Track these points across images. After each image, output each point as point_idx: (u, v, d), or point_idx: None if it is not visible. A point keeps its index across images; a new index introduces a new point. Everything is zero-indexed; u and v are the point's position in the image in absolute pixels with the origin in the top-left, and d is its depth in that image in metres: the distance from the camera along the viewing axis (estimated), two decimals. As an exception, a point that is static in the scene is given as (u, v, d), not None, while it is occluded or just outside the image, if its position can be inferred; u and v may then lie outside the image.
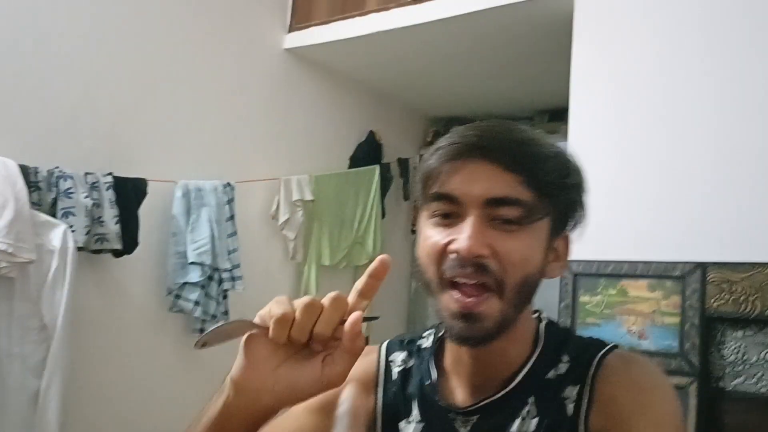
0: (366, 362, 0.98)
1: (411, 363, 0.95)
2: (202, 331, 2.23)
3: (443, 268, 0.75)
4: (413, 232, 3.11)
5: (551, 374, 0.83)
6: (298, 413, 0.92)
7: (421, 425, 0.89)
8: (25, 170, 1.91)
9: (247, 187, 2.49)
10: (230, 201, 2.39)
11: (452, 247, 0.74)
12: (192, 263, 2.20)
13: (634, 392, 0.79)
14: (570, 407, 0.81)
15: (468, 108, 3.21)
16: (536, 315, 0.91)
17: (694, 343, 1.65)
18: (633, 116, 1.94)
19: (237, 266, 2.34)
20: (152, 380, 2.18)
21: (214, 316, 2.23)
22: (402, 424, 0.91)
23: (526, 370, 0.83)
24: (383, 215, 2.94)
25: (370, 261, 2.57)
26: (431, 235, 0.78)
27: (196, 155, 2.41)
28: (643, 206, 1.86)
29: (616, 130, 1.97)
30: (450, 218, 0.76)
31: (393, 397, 0.94)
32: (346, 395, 0.96)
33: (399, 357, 0.96)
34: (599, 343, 0.86)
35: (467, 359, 0.85)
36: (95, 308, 2.01)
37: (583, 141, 1.97)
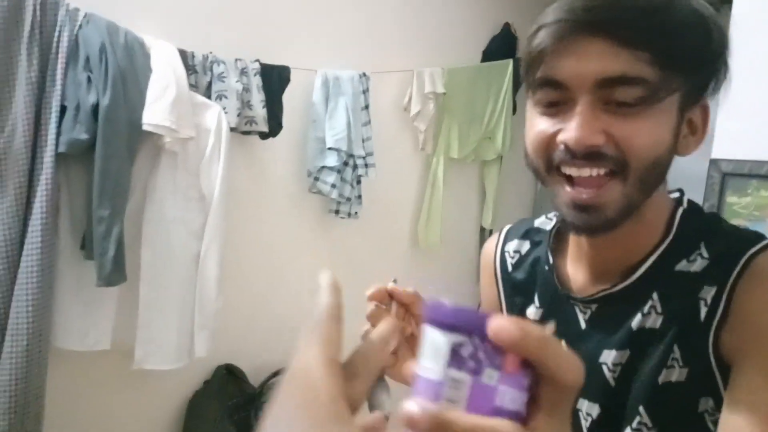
0: (486, 253, 1.01)
1: (529, 250, 0.93)
2: (337, 212, 2.39)
3: (552, 160, 0.70)
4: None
5: (682, 267, 0.75)
6: None
7: (540, 311, 0.89)
8: (183, 54, 2.05)
9: (382, 78, 2.55)
10: (365, 91, 2.46)
11: (560, 137, 0.68)
12: (330, 149, 2.33)
13: None
14: (703, 312, 0.72)
15: None
16: (675, 196, 0.82)
17: None
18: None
19: (370, 154, 2.44)
20: (291, 251, 2.39)
21: (348, 199, 2.37)
22: (527, 311, 0.90)
23: (651, 260, 0.76)
24: (514, 111, 2.90)
25: (499, 157, 2.62)
26: (537, 123, 0.71)
27: (335, 46, 2.48)
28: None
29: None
30: (558, 106, 0.69)
31: (513, 286, 0.94)
32: (483, 299, 0.99)
33: (516, 245, 0.94)
34: (752, 238, 0.73)
35: (587, 247, 0.81)
36: (245, 184, 2.20)
37: (747, 21, 1.69)
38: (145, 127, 1.84)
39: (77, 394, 1.91)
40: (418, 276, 2.77)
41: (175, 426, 2.04)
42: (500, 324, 0.37)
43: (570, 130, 0.66)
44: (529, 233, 0.93)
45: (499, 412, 0.38)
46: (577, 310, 0.82)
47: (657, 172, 0.69)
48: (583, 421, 0.83)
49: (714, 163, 1.78)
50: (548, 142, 0.69)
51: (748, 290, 0.69)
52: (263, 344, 2.25)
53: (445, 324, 0.39)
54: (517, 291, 0.93)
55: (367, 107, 2.46)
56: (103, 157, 1.79)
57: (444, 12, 2.79)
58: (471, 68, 2.81)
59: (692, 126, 0.72)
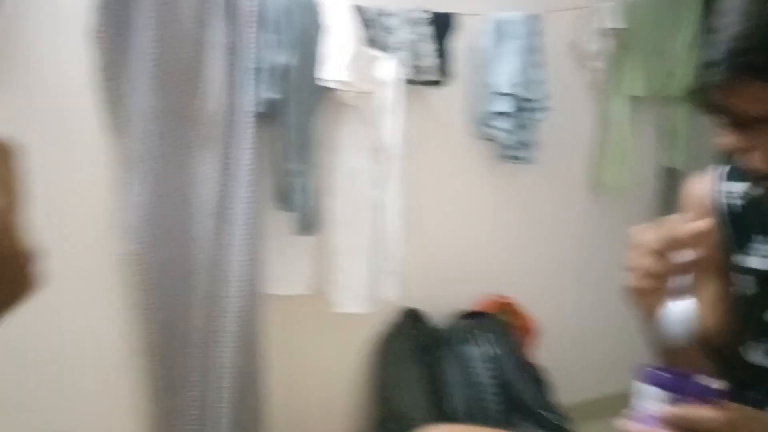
0: (696, 193, 0.99)
1: (754, 193, 0.90)
2: (511, 158, 2.37)
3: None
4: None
5: None
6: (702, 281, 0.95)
7: (766, 260, 0.87)
8: (357, 10, 2.13)
9: (554, 18, 2.45)
10: (537, 32, 2.39)
11: (750, 161, 0.70)
12: (502, 94, 2.30)
13: None
14: None
15: None
16: None
17: None
18: None
19: (545, 97, 2.38)
20: (467, 198, 2.43)
21: (523, 144, 2.34)
22: (747, 257, 0.90)
23: None
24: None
25: (686, 96, 2.37)
26: (725, 134, 0.74)
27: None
28: None
29: None
30: (738, 126, 0.71)
31: (729, 229, 0.92)
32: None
33: (738, 187, 0.92)
34: None
35: None
36: (420, 134, 2.25)
37: None
38: (327, 84, 1.95)
39: (286, 334, 2.11)
40: (599, 221, 2.68)
41: (368, 365, 2.19)
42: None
43: (755, 162, 0.70)
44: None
45: None
46: None
47: None
48: None
49: None
50: (738, 153, 0.73)
51: None
52: (444, 289, 2.32)
53: (666, 387, 0.66)
54: (734, 233, 0.92)
55: (539, 49, 2.39)
56: (296, 114, 1.93)
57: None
58: (652, 0, 2.61)
59: None
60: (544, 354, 2.36)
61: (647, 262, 0.77)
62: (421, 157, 2.28)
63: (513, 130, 2.33)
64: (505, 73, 2.32)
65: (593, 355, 2.66)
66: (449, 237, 2.37)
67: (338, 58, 1.96)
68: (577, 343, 2.57)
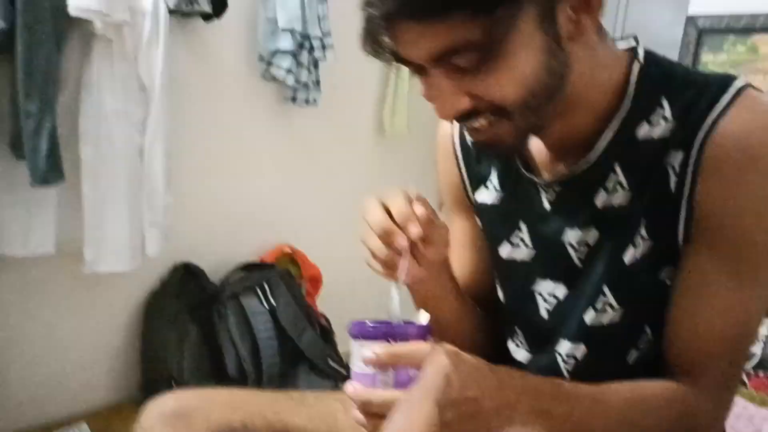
0: (444, 136, 0.97)
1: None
2: (294, 99, 2.26)
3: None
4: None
5: (645, 134, 0.71)
6: (453, 222, 0.96)
7: (500, 194, 0.87)
8: (109, -75, 1.85)
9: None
10: (319, -37, 2.26)
11: (436, 111, 0.68)
12: (283, 30, 2.16)
13: (746, 166, 0.64)
14: (673, 180, 0.69)
15: None
16: (630, 46, 0.75)
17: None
18: None
19: (328, 34, 2.28)
20: (245, 142, 2.27)
21: (305, 85, 2.23)
22: (481, 191, 0.89)
23: (611, 130, 0.72)
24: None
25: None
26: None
27: None
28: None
29: None
30: (422, 70, 0.66)
31: (473, 166, 0.91)
32: (442, 181, 0.97)
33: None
34: (716, 85, 0.68)
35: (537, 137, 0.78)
36: (189, 72, 2.05)
37: None
38: (72, 13, 1.68)
39: (23, 303, 1.85)
40: (384, 166, 2.68)
41: (133, 329, 2.01)
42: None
43: (434, 105, 0.66)
44: None
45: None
46: (541, 192, 0.80)
47: (544, 94, 0.65)
48: (544, 304, 0.82)
49: (691, 20, 1.67)
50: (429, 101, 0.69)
51: (715, 165, 0.66)
52: (221, 241, 2.19)
53: (374, 336, 0.62)
54: (477, 168, 0.90)
55: (322, -18, 2.28)
56: (26, 46, 1.64)
57: None
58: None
59: (575, 22, 0.64)
60: (329, 303, 2.34)
61: (373, 243, 0.72)
62: (192, 98, 2.08)
63: (295, 70, 2.21)
64: (286, 7, 2.18)
65: (377, 299, 2.70)
66: (227, 185, 2.22)
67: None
68: (361, 292, 2.57)
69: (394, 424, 0.56)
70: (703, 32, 1.66)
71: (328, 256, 2.37)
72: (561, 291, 0.80)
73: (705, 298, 0.70)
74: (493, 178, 0.87)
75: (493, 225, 0.89)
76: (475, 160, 0.90)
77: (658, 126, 0.70)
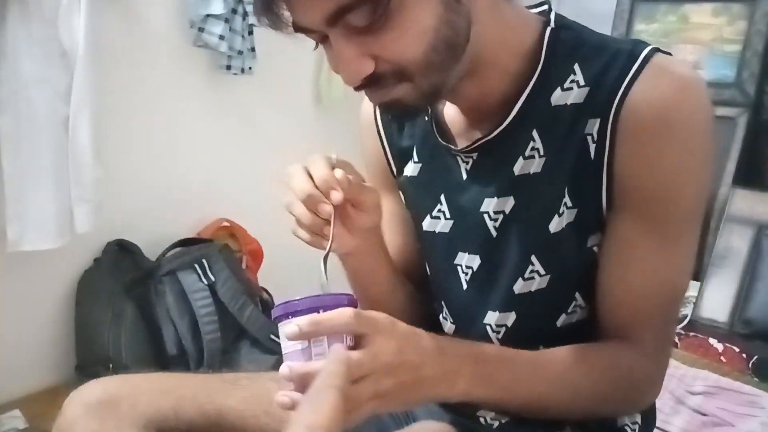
0: (366, 110, 0.96)
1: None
2: (228, 67, 2.19)
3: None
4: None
5: (559, 99, 0.70)
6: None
7: (419, 166, 0.85)
8: None
9: None
10: None
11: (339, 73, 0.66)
12: (214, -7, 2.08)
13: (661, 131, 0.65)
14: (592, 148, 0.69)
15: None
16: (542, 10, 0.76)
17: (753, 73, 1.56)
18: None
19: (261, -1, 2.21)
20: (178, 113, 2.18)
21: (240, 52, 2.16)
22: (406, 167, 0.87)
23: (524, 96, 0.71)
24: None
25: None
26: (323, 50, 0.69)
27: None
28: None
29: None
30: (326, 39, 0.65)
31: (395, 140, 0.90)
32: (366, 159, 0.96)
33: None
34: (626, 52, 0.68)
35: (440, 108, 0.79)
36: (116, 38, 1.94)
37: None
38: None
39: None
40: (322, 135, 2.65)
41: (66, 309, 1.92)
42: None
43: (342, 76, 0.65)
44: None
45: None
46: (459, 161, 0.79)
47: (445, 49, 0.64)
48: (462, 275, 0.81)
49: (624, -11, 1.71)
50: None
51: (632, 133, 0.66)
52: (156, 216, 2.11)
53: (298, 312, 0.59)
54: (399, 142, 0.89)
55: (251, -58, 2.20)
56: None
57: None
58: None
59: None
60: (271, 277, 2.31)
61: (298, 210, 0.72)
62: (120, 66, 1.97)
63: (228, 36, 2.13)
64: (216, -31, 2.09)
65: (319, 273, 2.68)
66: (160, 157, 2.13)
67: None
68: (304, 265, 2.54)
69: (300, 415, 0.50)
70: (636, 1, 1.71)
71: (268, 229, 2.33)
72: (476, 262, 0.80)
73: (633, 262, 0.71)
74: (414, 152, 0.86)
75: (416, 198, 0.88)
76: (398, 134, 0.88)
77: (571, 92, 0.70)
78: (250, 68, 2.23)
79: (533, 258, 0.75)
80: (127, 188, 2.02)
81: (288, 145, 2.50)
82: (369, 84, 0.66)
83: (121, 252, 1.96)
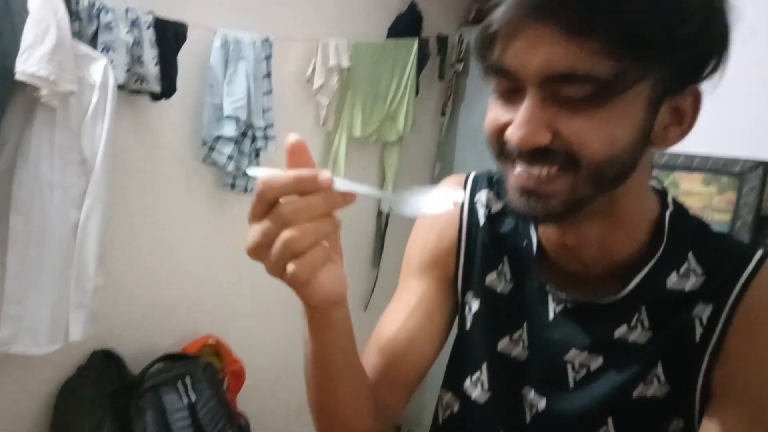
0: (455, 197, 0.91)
1: (500, 206, 0.86)
2: (233, 186, 2.34)
3: (504, 150, 0.67)
4: (443, 114, 3.17)
5: (674, 284, 0.73)
6: (414, 283, 0.89)
7: (511, 285, 0.84)
8: (68, -1, 1.92)
9: (285, 47, 2.52)
10: (268, 57, 2.42)
11: (507, 133, 0.64)
12: (227, 117, 2.27)
13: None
14: (698, 332, 0.71)
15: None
16: (659, 195, 0.77)
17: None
18: None
19: (271, 125, 2.41)
20: (181, 226, 2.30)
21: (245, 173, 2.33)
22: (490, 276, 0.86)
23: (642, 274, 0.73)
24: (417, 92, 2.98)
25: (400, 138, 2.70)
26: (492, 110, 0.68)
27: (238, 5, 2.42)
28: (707, 97, 1.84)
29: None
30: (512, 94, 0.65)
31: (477, 243, 0.87)
32: (431, 240, 0.90)
33: (485, 196, 0.87)
34: (745, 250, 0.72)
35: (554, 238, 0.78)
36: (132, 149, 2.09)
37: None
38: (18, 77, 1.71)
39: None
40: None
41: (43, 418, 1.91)
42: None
43: (514, 128, 0.63)
44: (500, 186, 0.87)
45: None
46: (549, 299, 0.79)
47: (615, 170, 0.64)
48: (527, 410, 0.82)
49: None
50: (500, 131, 0.66)
51: (748, 322, 0.69)
52: (144, 328, 2.16)
53: None
54: (482, 248, 0.86)
55: (269, 75, 2.43)
56: (-34, 106, 1.64)
57: (350, -18, 2.81)
58: (376, 44, 2.84)
59: (678, 115, 0.67)
60: (250, 401, 2.34)
61: (287, 210, 0.57)
62: (131, 176, 2.11)
63: (236, 157, 2.31)
64: (232, 95, 2.30)
65: (299, 399, 2.69)
66: (158, 269, 2.22)
67: (36, 48, 1.73)
68: (282, 391, 2.57)
69: None
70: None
71: (252, 350, 2.39)
72: (542, 404, 0.80)
73: None
74: (506, 267, 0.85)
75: (497, 314, 0.85)
76: (489, 240, 0.86)
77: (687, 279, 0.73)
78: (252, 189, 2.39)
79: (609, 420, 0.76)
80: (118, 297, 2.08)
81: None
82: (533, 155, 0.64)
83: (106, 361, 1.99)
